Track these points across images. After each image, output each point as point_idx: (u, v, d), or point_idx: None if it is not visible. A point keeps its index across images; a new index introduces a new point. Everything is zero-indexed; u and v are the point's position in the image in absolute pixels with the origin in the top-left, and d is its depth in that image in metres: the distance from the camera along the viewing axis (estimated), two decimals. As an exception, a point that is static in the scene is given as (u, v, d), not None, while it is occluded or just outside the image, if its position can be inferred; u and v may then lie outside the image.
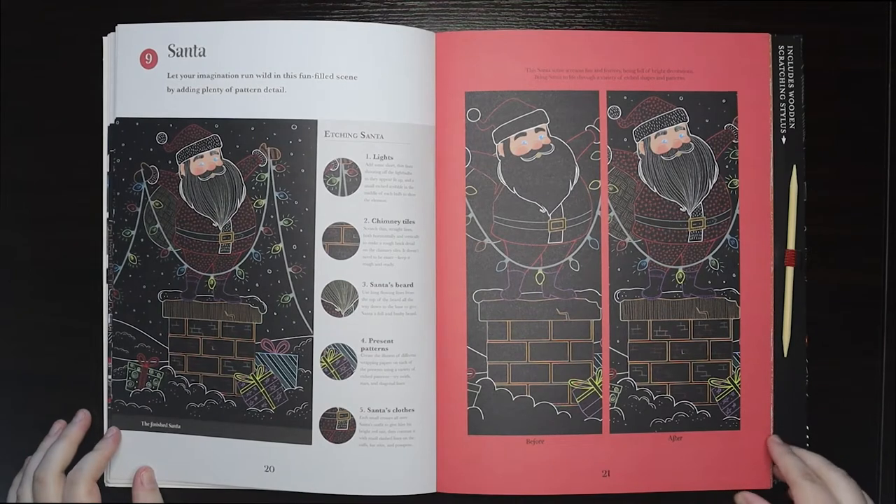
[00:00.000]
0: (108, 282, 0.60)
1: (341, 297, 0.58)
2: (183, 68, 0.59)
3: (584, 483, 0.59)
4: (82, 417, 0.60)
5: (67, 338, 0.62)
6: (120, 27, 0.60)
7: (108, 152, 0.60)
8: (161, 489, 0.59)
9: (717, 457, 0.59)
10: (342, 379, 0.58)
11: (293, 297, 0.59)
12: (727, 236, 0.59)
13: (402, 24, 0.60)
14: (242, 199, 0.59)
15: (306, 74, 0.58)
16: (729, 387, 0.59)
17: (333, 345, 0.58)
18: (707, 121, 0.59)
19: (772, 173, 0.60)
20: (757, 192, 0.59)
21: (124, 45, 0.60)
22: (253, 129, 0.59)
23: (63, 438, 0.58)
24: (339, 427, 0.58)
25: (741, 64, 0.59)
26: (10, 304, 0.62)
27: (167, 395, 0.60)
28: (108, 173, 0.60)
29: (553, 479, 0.59)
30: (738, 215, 0.59)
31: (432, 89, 0.59)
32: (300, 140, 0.58)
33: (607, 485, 0.59)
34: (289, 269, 0.59)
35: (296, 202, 0.59)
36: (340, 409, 0.58)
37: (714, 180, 0.60)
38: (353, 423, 0.58)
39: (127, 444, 0.60)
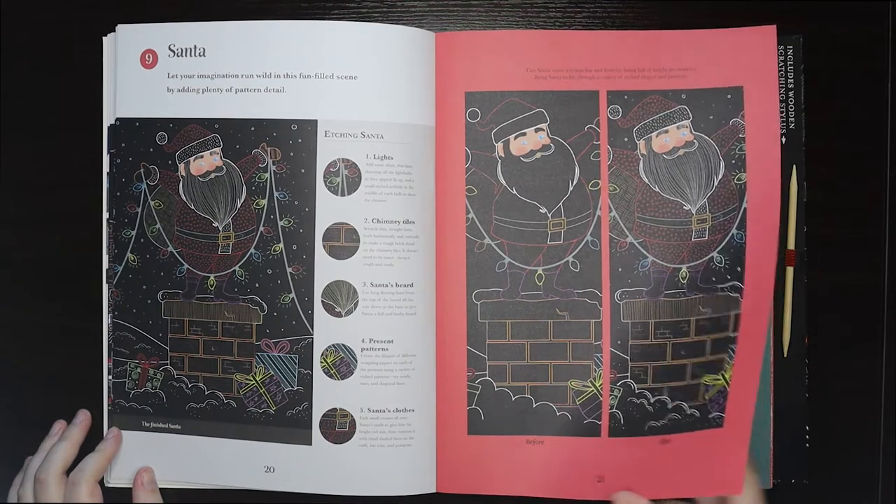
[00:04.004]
0: (107, 282, 0.60)
1: (341, 298, 0.58)
2: (183, 68, 0.59)
3: (578, 488, 0.58)
4: (83, 418, 0.60)
5: (67, 338, 0.62)
6: (120, 27, 0.60)
7: (108, 152, 0.60)
8: (161, 489, 0.59)
9: (701, 459, 0.58)
10: (342, 379, 0.58)
11: (293, 298, 0.59)
12: (733, 231, 0.59)
13: (402, 24, 0.60)
14: (242, 200, 0.59)
15: (306, 74, 0.58)
16: (720, 382, 0.59)
17: (333, 345, 0.58)
18: (711, 117, 0.59)
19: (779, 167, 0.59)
20: (766, 185, 0.58)
21: (124, 45, 0.60)
22: (253, 129, 0.59)
23: (64, 439, 0.58)
24: (339, 427, 0.58)
25: (747, 57, 0.59)
26: (10, 304, 0.62)
27: (167, 395, 0.60)
28: (107, 173, 0.60)
29: (550, 481, 0.59)
30: (745, 209, 0.59)
31: (432, 89, 0.59)
32: (300, 140, 0.58)
33: (601, 490, 0.58)
34: (289, 270, 0.59)
35: (296, 202, 0.59)
36: (341, 409, 0.58)
37: (720, 176, 0.59)
38: (353, 424, 0.58)
39: (127, 445, 0.60)
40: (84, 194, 0.61)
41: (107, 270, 0.60)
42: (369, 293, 0.58)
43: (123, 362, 0.60)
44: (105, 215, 0.60)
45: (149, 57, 0.59)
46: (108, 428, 0.60)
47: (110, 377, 0.60)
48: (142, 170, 0.60)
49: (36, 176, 0.62)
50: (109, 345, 0.60)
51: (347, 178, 0.58)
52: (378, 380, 0.58)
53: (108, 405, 0.60)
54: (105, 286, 0.60)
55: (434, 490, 0.59)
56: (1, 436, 0.62)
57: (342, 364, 0.58)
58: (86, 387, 0.61)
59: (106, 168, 0.60)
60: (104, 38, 0.60)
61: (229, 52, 0.59)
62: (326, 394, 0.58)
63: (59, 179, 0.62)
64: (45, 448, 0.58)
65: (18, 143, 0.62)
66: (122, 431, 0.60)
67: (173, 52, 0.59)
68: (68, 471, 0.57)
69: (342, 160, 0.58)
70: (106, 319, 0.60)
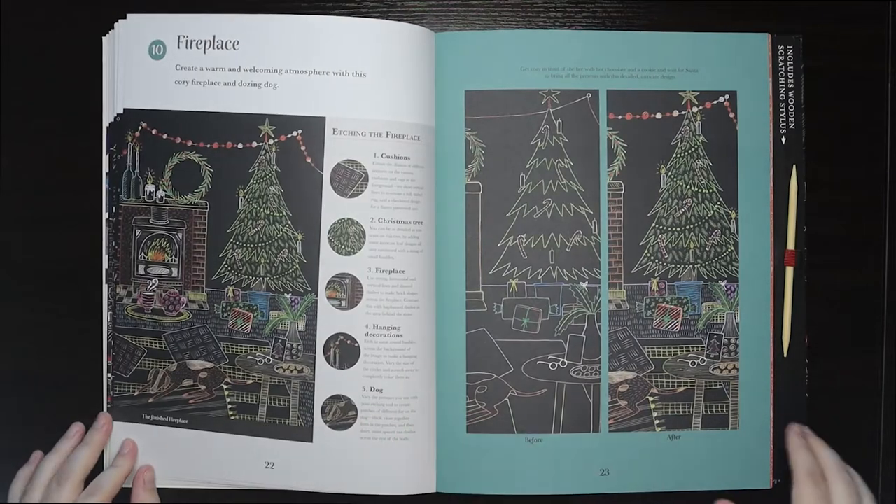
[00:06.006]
0: (107, 281, 0.60)
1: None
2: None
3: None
4: (104, 422, 0.59)
5: (67, 338, 0.62)
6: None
7: (108, 150, 0.60)
8: (161, 490, 0.59)
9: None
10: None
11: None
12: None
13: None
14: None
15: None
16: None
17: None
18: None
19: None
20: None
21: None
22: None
23: (86, 444, 0.57)
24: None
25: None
26: (10, 304, 0.62)
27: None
28: (107, 173, 0.60)
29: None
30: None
31: (433, 88, 0.59)
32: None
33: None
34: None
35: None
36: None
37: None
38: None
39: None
40: (84, 194, 0.61)
41: (106, 270, 0.60)
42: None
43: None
44: (105, 215, 0.60)
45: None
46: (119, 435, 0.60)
47: (110, 375, 0.60)
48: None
49: (36, 176, 0.62)
50: (109, 343, 0.60)
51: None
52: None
53: (108, 403, 0.60)
54: (105, 286, 0.60)
55: (434, 490, 0.59)
56: (1, 434, 0.62)
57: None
58: (86, 386, 0.61)
59: (105, 168, 0.60)
60: (104, 37, 0.60)
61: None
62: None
63: (60, 179, 0.62)
64: (62, 449, 0.57)
65: (19, 143, 0.62)
66: (123, 426, 0.59)
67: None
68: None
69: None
70: (106, 318, 0.60)
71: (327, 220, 0.58)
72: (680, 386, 0.60)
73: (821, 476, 0.53)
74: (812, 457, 0.55)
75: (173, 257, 0.60)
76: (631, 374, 0.59)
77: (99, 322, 0.61)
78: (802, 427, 0.58)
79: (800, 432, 0.57)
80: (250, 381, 0.59)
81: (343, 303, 0.58)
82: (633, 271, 0.60)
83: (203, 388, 0.60)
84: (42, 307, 0.62)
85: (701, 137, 0.60)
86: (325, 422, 0.58)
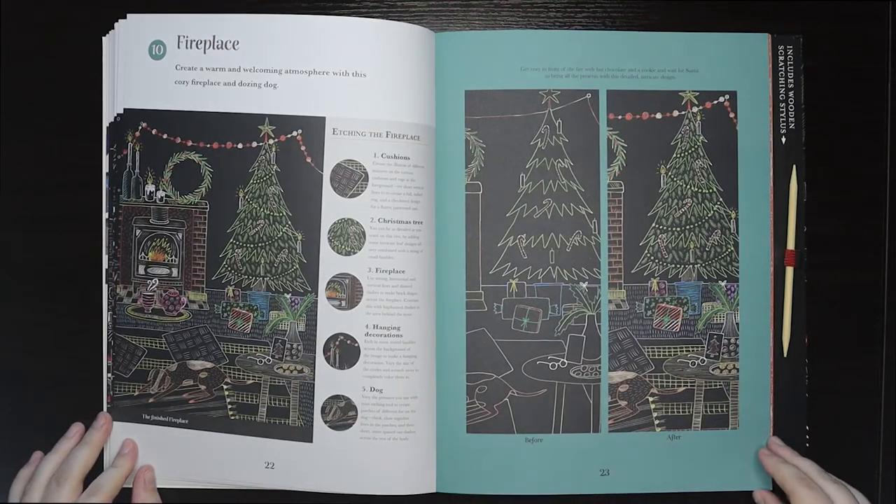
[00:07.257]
0: (107, 281, 0.60)
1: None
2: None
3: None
4: (104, 422, 0.59)
5: (67, 338, 0.62)
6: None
7: (108, 150, 0.60)
8: (162, 489, 0.59)
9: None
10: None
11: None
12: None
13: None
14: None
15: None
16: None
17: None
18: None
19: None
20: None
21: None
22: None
23: (85, 444, 0.57)
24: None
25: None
26: (9, 304, 0.62)
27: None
28: (107, 173, 0.60)
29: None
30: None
31: (433, 88, 0.59)
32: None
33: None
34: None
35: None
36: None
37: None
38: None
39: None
40: (84, 194, 0.61)
41: (106, 270, 0.60)
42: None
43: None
44: (105, 215, 0.60)
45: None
46: (120, 435, 0.60)
47: (110, 375, 0.60)
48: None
49: (36, 176, 0.62)
50: (109, 343, 0.60)
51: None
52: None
53: (108, 403, 0.60)
54: (105, 286, 0.60)
55: (434, 490, 0.59)
56: (1, 434, 0.62)
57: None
58: (86, 386, 0.61)
59: (105, 168, 0.60)
60: (104, 37, 0.60)
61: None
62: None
63: (60, 179, 0.62)
64: (62, 449, 0.57)
65: (18, 143, 0.62)
66: (123, 426, 0.59)
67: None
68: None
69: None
70: (106, 318, 0.60)
71: (327, 220, 0.58)
72: (680, 386, 0.60)
73: (812, 480, 0.53)
74: (794, 467, 0.55)
75: (173, 257, 0.60)
76: (631, 374, 0.59)
77: (99, 322, 0.61)
78: (773, 441, 0.58)
79: (770, 452, 0.58)
80: (250, 381, 0.59)
81: (343, 303, 0.58)
82: (633, 271, 0.60)
83: (203, 388, 0.60)
84: (42, 307, 0.62)
85: (701, 137, 0.60)
86: (325, 422, 0.58)
